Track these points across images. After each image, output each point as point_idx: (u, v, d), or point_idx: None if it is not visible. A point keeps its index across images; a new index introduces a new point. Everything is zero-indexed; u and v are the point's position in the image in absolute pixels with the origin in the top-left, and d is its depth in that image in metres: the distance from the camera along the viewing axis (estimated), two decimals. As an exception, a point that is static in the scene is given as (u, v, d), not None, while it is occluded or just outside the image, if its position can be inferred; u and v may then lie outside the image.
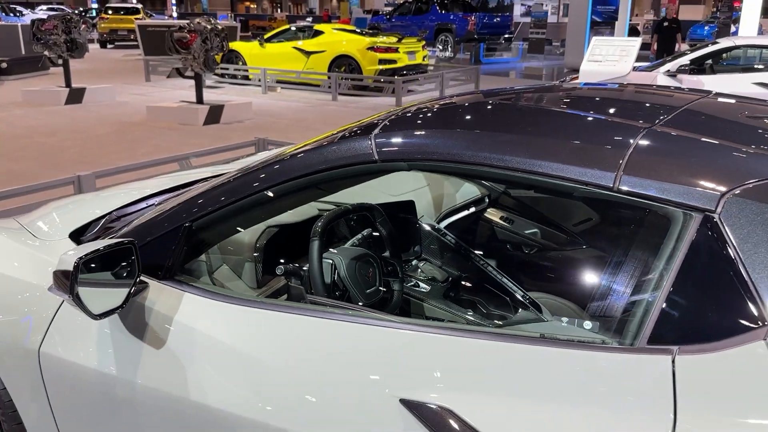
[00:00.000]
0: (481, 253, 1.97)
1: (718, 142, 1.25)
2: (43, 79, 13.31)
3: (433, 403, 1.13)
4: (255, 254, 1.79)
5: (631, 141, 1.23)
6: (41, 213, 2.18)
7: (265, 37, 13.46)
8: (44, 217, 2.09)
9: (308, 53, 12.38)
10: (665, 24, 11.99)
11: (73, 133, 8.03)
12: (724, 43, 7.65)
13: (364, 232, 1.82)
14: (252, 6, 57.86)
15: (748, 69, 7.58)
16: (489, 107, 1.60)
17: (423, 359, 1.19)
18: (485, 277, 1.84)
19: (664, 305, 1.07)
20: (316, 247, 1.60)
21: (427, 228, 2.06)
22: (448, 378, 1.15)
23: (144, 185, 2.52)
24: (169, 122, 8.75)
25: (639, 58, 8.09)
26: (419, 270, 1.95)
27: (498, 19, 21.25)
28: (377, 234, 1.84)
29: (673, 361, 1.01)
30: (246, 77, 13.02)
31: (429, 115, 1.55)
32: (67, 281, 1.35)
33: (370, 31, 13.83)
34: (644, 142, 1.22)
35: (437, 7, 21.13)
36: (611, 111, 1.45)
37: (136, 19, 21.26)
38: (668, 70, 7.35)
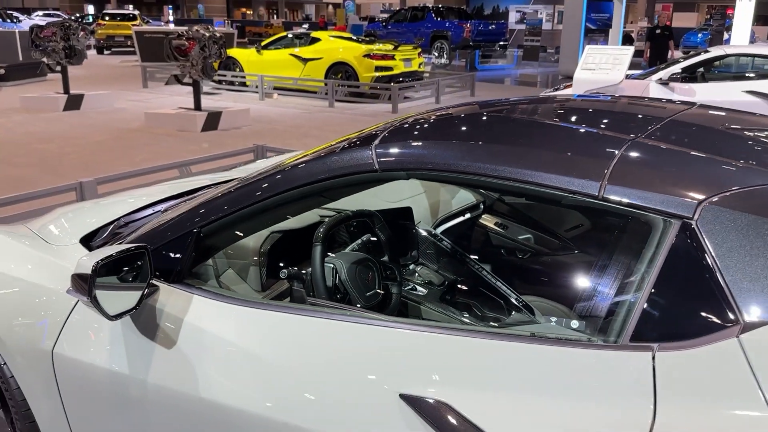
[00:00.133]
0: (476, 257, 2.05)
1: (697, 154, 1.34)
2: (40, 85, 13.37)
3: (431, 397, 1.20)
4: (260, 259, 1.86)
5: (616, 152, 1.31)
6: (50, 219, 2.25)
7: (263, 44, 13.55)
8: (54, 224, 2.16)
9: (305, 60, 12.47)
10: (658, 31, 12.12)
11: (72, 139, 8.09)
12: (714, 51, 7.76)
13: (364, 238, 1.90)
14: (248, 12, 58.00)
15: (740, 77, 7.70)
16: (483, 119, 1.69)
17: (421, 357, 1.27)
18: (480, 281, 1.92)
19: (645, 305, 1.14)
20: (318, 252, 1.68)
21: (424, 233, 2.14)
22: (444, 374, 1.22)
23: (146, 192, 2.60)
24: (168, 129, 8.81)
25: (632, 65, 8.20)
26: (416, 274, 2.03)
27: (493, 26, 21.42)
28: (376, 239, 1.92)
29: (653, 357, 1.09)
30: (243, 84, 13.10)
31: (426, 126, 1.63)
32: (85, 284, 1.42)
33: (367, 39, 13.94)
34: (628, 154, 1.31)
35: (433, 15, 21.28)
36: (598, 123, 1.53)
37: (133, 25, 21.33)
38: (660, 78, 7.46)
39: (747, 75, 7.76)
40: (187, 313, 1.54)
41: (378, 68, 11.86)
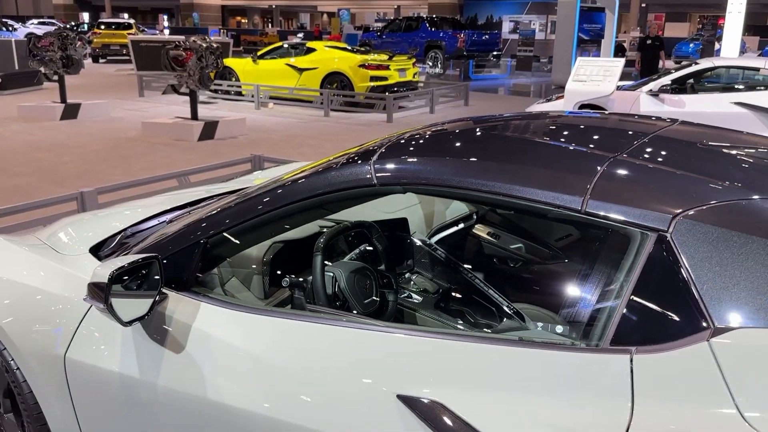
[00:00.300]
0: (470, 266, 2.14)
1: (673, 170, 1.43)
2: (37, 94, 13.43)
3: (427, 398, 1.29)
4: (262, 267, 1.95)
5: (598, 168, 1.41)
6: (57, 229, 2.32)
7: (258, 54, 13.66)
8: (62, 234, 2.24)
9: (301, 70, 12.59)
10: (648, 42, 12.28)
11: (70, 148, 8.16)
12: (704, 63, 7.91)
13: (362, 248, 2.00)
14: (243, 21, 58.20)
15: (728, 89, 7.84)
16: (474, 136, 1.78)
17: (417, 360, 1.35)
18: (473, 289, 2.01)
19: (624, 311, 1.24)
20: (318, 262, 1.77)
21: (419, 243, 2.23)
22: (439, 376, 1.31)
23: (147, 203, 2.68)
24: (165, 138, 8.89)
25: (624, 75, 8.33)
26: (412, 282, 2.12)
27: (486, 36, 21.61)
28: (374, 249, 2.01)
29: (631, 360, 1.18)
30: (239, 93, 13.20)
31: (421, 142, 1.72)
32: (101, 292, 1.51)
33: (362, 49, 14.07)
34: (609, 170, 1.41)
35: (427, 25, 21.47)
36: (582, 141, 1.63)
37: (129, 34, 21.43)
38: (651, 90, 7.59)
39: (736, 86, 7.90)
40: (195, 319, 1.62)
41: (373, 78, 11.99)
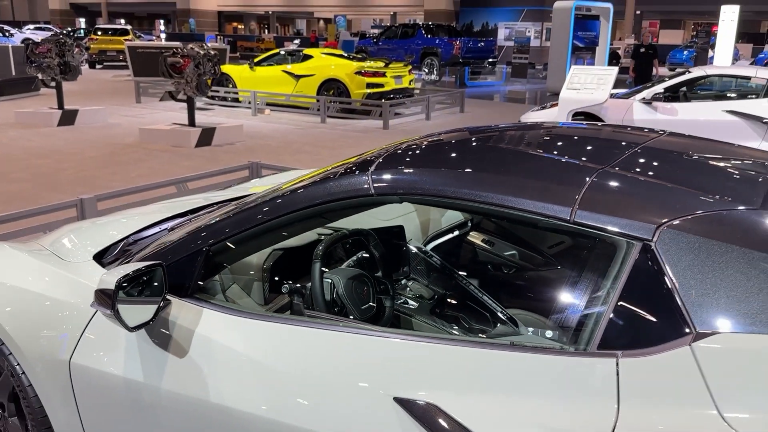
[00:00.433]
0: (464, 273, 2.19)
1: (658, 182, 1.50)
2: (34, 100, 13.46)
3: (422, 400, 1.34)
4: (263, 274, 2.01)
5: (587, 180, 1.47)
6: (60, 236, 2.37)
7: (255, 60, 13.73)
8: (66, 241, 2.29)
9: (297, 77, 12.65)
10: (642, 50, 12.38)
11: (68, 154, 8.20)
12: (695, 72, 8.00)
13: (359, 255, 2.05)
14: (239, 27, 58.30)
15: (720, 97, 7.93)
16: (468, 147, 1.84)
17: (412, 364, 1.41)
18: (468, 295, 2.06)
19: (611, 316, 1.30)
20: (317, 269, 1.82)
21: (415, 250, 2.29)
22: (434, 379, 1.37)
23: (147, 210, 2.73)
24: (162, 144, 8.94)
25: (619, 83, 8.42)
26: (408, 288, 2.17)
27: (482, 43, 21.73)
28: (371, 256, 2.06)
29: (617, 363, 1.24)
30: (236, 99, 13.26)
31: (417, 153, 1.78)
32: (108, 299, 1.56)
33: (358, 56, 14.15)
34: (596, 182, 1.47)
35: (423, 32, 21.58)
36: (571, 153, 1.69)
37: (126, 40, 21.48)
38: (644, 98, 7.68)
39: (728, 95, 7.99)
40: (197, 325, 1.68)
41: (369, 85, 12.05)
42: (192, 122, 9.19)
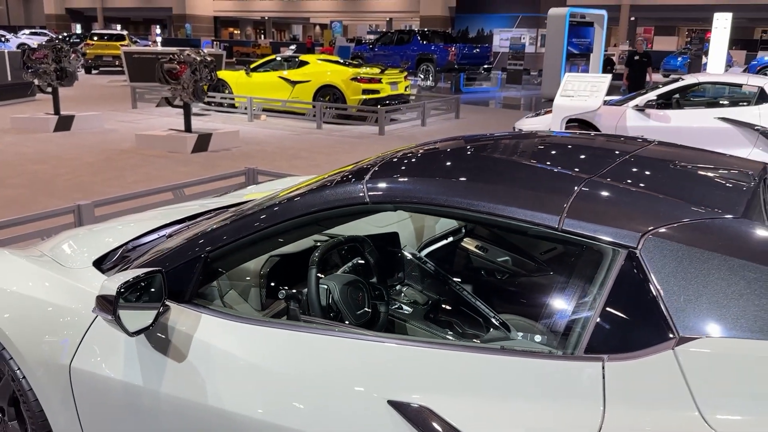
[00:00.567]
0: (458, 278, 2.24)
1: (644, 191, 1.54)
2: (30, 105, 13.48)
3: (416, 403, 1.38)
4: (260, 280, 2.04)
5: (575, 189, 1.52)
6: (60, 242, 2.40)
7: (252, 66, 13.78)
8: (66, 247, 2.32)
9: (294, 83, 12.71)
10: (636, 57, 12.46)
11: (65, 160, 8.21)
12: (688, 80, 8.07)
13: (355, 261, 2.09)
14: (236, 32, 58.39)
15: (713, 104, 8.01)
16: (462, 157, 1.89)
17: (406, 368, 1.45)
18: (461, 301, 2.10)
19: (597, 321, 1.34)
20: (313, 275, 1.86)
21: (410, 256, 2.33)
22: (427, 383, 1.41)
23: (145, 217, 2.77)
24: (158, 150, 8.97)
25: (613, 89, 8.48)
26: (402, 294, 2.21)
27: (477, 49, 21.83)
28: (366, 262, 2.11)
29: (603, 367, 1.28)
30: (232, 105, 13.30)
31: (412, 162, 1.83)
32: (109, 305, 1.60)
33: (354, 62, 14.22)
34: (584, 191, 1.51)
35: (419, 38, 21.68)
36: (561, 162, 1.74)
37: (122, 45, 21.51)
38: (637, 105, 7.75)
39: (720, 102, 8.07)
40: (195, 330, 1.71)
41: (365, 91, 12.11)
42: (188, 128, 9.23)
